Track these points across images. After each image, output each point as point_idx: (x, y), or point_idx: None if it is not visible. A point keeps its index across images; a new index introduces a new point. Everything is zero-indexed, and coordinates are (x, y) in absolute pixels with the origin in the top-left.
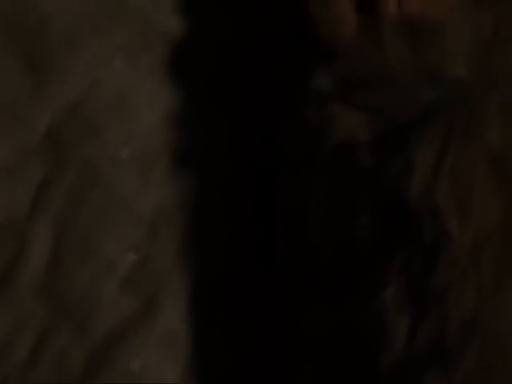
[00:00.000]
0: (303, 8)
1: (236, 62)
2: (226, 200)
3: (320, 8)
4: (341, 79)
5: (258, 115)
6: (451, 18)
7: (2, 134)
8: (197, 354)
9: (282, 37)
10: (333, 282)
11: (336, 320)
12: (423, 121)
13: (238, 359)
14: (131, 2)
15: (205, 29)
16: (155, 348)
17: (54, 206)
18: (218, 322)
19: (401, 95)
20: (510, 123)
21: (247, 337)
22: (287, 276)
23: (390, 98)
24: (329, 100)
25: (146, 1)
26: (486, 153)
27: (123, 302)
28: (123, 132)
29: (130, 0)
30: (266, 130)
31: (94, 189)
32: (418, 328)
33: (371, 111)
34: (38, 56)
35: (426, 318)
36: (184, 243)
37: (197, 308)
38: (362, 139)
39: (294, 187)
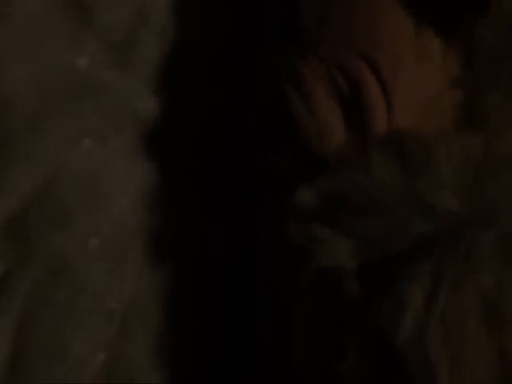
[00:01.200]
0: (288, 112)
1: (211, 144)
2: (203, 293)
3: (305, 115)
4: (326, 197)
5: (235, 199)
6: (441, 137)
7: None
8: None
9: (265, 136)
10: None
11: None
12: (414, 256)
13: None
14: (100, 81)
15: (179, 108)
16: None
17: (17, 301)
18: None
19: (390, 225)
20: (507, 260)
21: None
22: None
23: (379, 226)
24: (313, 220)
25: (116, 79)
26: (480, 299)
27: None
28: (93, 219)
29: (99, 79)
30: (243, 214)
31: (60, 283)
32: None
33: (359, 238)
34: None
35: None
36: (158, 341)
37: None
38: (348, 267)
39: (276, 306)
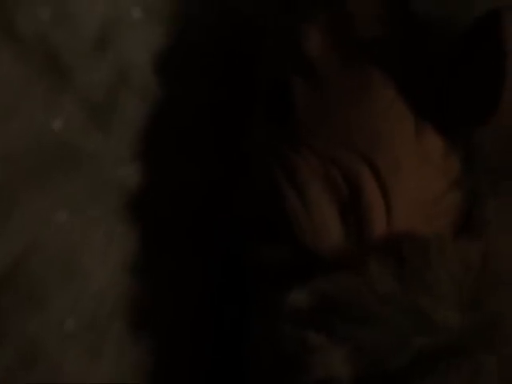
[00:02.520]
0: (281, 206)
1: (195, 213)
2: (186, 370)
3: (300, 211)
4: (321, 301)
5: (218, 272)
6: (439, 245)
7: None
8: None
9: (254, 225)
10: None
11: None
12: (414, 373)
13: None
14: (77, 146)
15: (161, 174)
16: None
17: None
18: None
19: (388, 337)
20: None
21: None
22: None
23: (377, 337)
24: (308, 325)
25: (94, 143)
26: None
27: None
28: (69, 298)
29: (76, 143)
30: (228, 290)
31: (34, 369)
32: None
33: (355, 349)
34: None
35: None
36: None
37: None
38: (345, 378)
39: None
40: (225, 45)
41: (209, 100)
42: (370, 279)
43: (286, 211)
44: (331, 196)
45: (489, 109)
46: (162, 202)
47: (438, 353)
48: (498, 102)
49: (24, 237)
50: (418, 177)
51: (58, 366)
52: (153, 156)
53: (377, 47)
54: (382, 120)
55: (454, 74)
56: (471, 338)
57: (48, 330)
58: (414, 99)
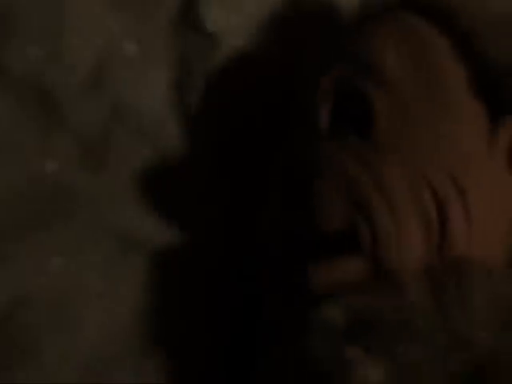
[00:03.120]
0: (367, 215)
1: (200, 261)
2: None
3: (389, 226)
4: (356, 316)
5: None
6: (483, 269)
7: None
8: None
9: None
10: None
11: None
12: None
13: None
14: (71, 187)
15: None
16: None
17: None
18: None
19: (426, 355)
20: None
21: None
22: None
23: (413, 354)
24: (343, 340)
25: (89, 184)
26: None
27: None
28: (64, 348)
29: (70, 185)
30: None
31: None
32: None
33: (392, 364)
34: None
35: None
36: None
37: None
38: None
39: None
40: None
41: (212, 144)
42: (405, 294)
43: (375, 223)
44: (420, 215)
45: None
46: (162, 245)
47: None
48: None
49: (18, 286)
50: (498, 199)
51: None
52: (150, 195)
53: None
54: (468, 139)
55: None
56: (506, 361)
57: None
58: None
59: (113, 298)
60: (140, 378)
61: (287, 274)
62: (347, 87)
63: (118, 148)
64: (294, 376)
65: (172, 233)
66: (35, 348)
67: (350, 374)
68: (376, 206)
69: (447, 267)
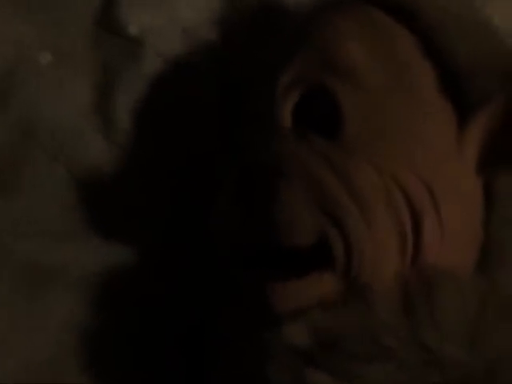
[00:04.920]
0: (339, 221)
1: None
2: None
3: (364, 233)
4: (321, 335)
5: None
6: (451, 278)
7: None
8: None
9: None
10: None
11: None
12: None
13: None
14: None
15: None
16: None
17: None
18: None
19: (398, 374)
20: None
21: None
22: None
23: (385, 374)
24: (306, 362)
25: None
26: None
27: None
28: None
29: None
30: None
31: None
32: None
33: None
34: None
35: None
36: None
37: None
38: None
39: None
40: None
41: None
42: (375, 312)
43: (349, 235)
44: (394, 225)
45: None
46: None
47: None
48: None
49: None
50: (466, 203)
51: None
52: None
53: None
54: (439, 139)
55: None
56: (478, 374)
57: None
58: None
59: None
60: None
61: (242, 289)
62: (309, 82)
63: (29, 168)
64: None
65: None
66: None
67: None
68: (349, 215)
69: (418, 281)
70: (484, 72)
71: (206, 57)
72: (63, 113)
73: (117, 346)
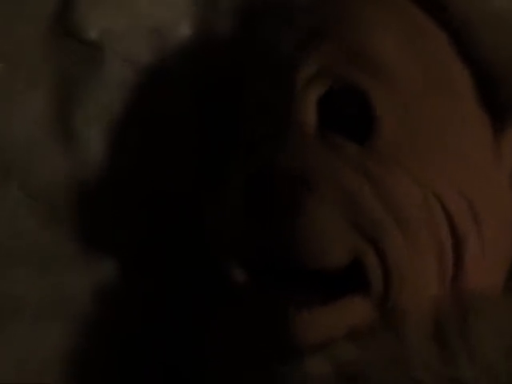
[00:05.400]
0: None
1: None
2: None
3: (404, 255)
4: (345, 369)
5: None
6: (484, 302)
7: None
8: None
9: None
10: None
11: None
12: None
13: None
14: None
15: None
16: None
17: None
18: None
19: None
20: None
21: None
22: None
23: None
24: None
25: None
26: None
27: None
28: None
29: None
30: None
31: None
32: None
33: None
34: None
35: None
36: None
37: None
38: None
39: None
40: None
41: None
42: (407, 343)
43: (388, 256)
44: (435, 244)
45: None
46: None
47: None
48: None
49: None
50: (503, 218)
51: None
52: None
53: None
54: (477, 149)
55: None
56: None
57: None
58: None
59: None
60: None
61: (249, 312)
62: (335, 76)
63: None
64: None
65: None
66: None
67: None
68: (389, 235)
69: (453, 308)
70: None
71: (178, 58)
72: (16, 126)
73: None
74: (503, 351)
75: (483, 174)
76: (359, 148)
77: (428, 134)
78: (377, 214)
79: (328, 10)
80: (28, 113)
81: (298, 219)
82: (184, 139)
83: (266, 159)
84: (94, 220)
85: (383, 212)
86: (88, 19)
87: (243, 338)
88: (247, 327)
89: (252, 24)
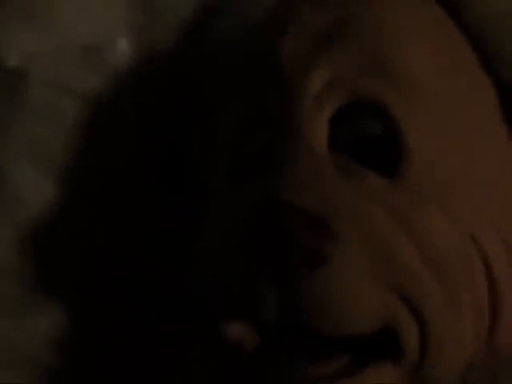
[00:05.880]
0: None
1: None
2: None
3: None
4: None
5: None
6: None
7: None
8: None
9: None
10: None
11: None
12: None
13: None
14: None
15: None
16: None
17: None
18: None
19: None
20: None
21: None
22: None
23: None
24: None
25: None
26: None
27: None
28: None
29: None
30: None
31: None
32: None
33: None
34: None
35: None
36: None
37: None
38: None
39: None
40: None
41: None
42: None
43: (426, 314)
44: (472, 297)
45: None
46: None
47: None
48: None
49: None
50: None
51: None
52: None
53: None
54: (507, 176)
55: None
56: None
57: None
58: None
59: None
60: None
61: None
62: (351, 91)
63: None
64: None
65: None
66: None
67: None
68: (428, 291)
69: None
70: None
71: (118, 79)
72: None
73: None
74: None
75: None
76: (387, 181)
77: (461, 163)
78: (415, 267)
79: (340, 9)
80: None
81: (319, 275)
82: (131, 175)
83: (268, 192)
84: (40, 264)
85: (421, 264)
86: (8, 45)
87: None
88: None
89: (209, 27)
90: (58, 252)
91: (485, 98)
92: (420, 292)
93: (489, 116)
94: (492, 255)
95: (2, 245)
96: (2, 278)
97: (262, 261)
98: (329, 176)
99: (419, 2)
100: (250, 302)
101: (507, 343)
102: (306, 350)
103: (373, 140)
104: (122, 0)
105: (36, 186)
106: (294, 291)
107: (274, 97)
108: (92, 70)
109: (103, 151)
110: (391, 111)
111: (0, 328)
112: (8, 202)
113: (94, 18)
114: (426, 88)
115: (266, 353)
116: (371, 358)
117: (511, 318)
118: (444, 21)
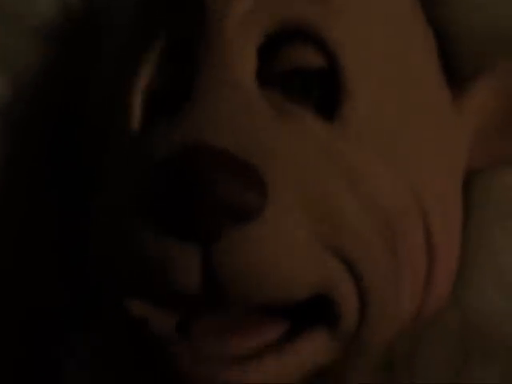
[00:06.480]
0: None
1: None
2: None
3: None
4: None
5: None
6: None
7: None
8: None
9: None
10: None
11: None
12: None
13: None
14: None
15: None
16: None
17: None
18: None
19: None
20: None
21: None
22: None
23: None
24: None
25: None
26: None
27: None
28: None
29: None
30: None
31: None
32: None
33: None
34: None
35: None
36: None
37: None
38: None
39: None
40: None
41: None
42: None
43: (365, 274)
44: (410, 248)
45: None
46: None
47: None
48: None
49: None
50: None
51: None
52: None
53: None
54: (446, 133)
55: None
56: None
57: None
58: None
59: None
60: None
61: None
62: (278, 16)
63: None
64: None
65: None
66: None
67: None
68: (371, 252)
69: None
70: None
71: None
72: None
73: None
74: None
75: (449, 164)
76: (326, 125)
77: (397, 110)
78: (359, 228)
79: None
80: None
81: (247, 233)
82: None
83: (186, 135)
84: None
85: (366, 223)
86: None
87: None
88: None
89: None
90: None
91: (427, 60)
92: (363, 255)
93: (429, 74)
94: (429, 208)
95: None
96: None
97: (176, 219)
98: (259, 116)
99: None
100: (163, 272)
101: (435, 303)
102: (230, 324)
103: (307, 75)
104: None
105: None
106: (217, 252)
107: (193, 24)
108: None
109: None
110: (328, 41)
111: None
112: None
113: None
114: (365, 18)
115: (183, 331)
116: (307, 329)
117: (443, 275)
118: None
